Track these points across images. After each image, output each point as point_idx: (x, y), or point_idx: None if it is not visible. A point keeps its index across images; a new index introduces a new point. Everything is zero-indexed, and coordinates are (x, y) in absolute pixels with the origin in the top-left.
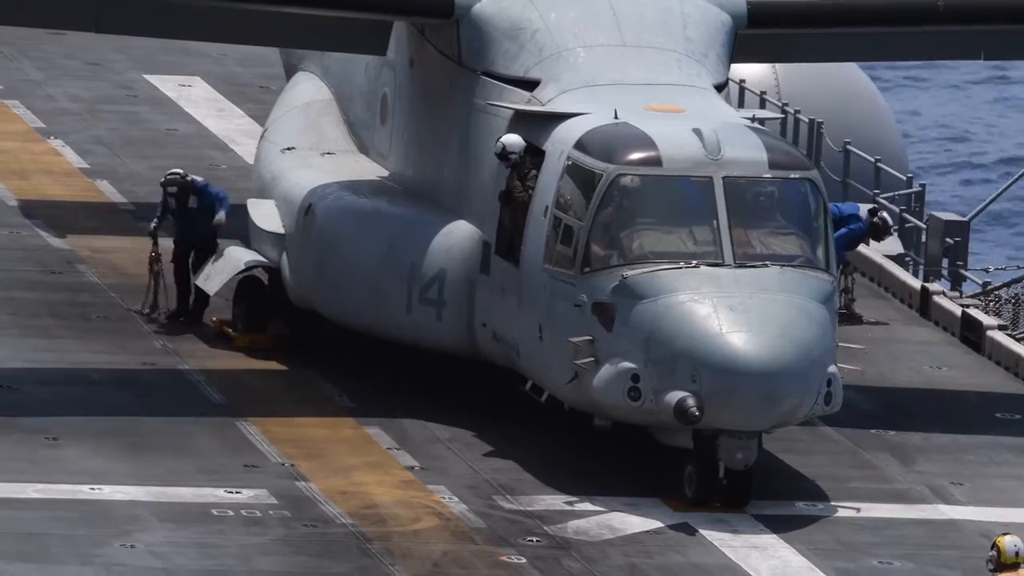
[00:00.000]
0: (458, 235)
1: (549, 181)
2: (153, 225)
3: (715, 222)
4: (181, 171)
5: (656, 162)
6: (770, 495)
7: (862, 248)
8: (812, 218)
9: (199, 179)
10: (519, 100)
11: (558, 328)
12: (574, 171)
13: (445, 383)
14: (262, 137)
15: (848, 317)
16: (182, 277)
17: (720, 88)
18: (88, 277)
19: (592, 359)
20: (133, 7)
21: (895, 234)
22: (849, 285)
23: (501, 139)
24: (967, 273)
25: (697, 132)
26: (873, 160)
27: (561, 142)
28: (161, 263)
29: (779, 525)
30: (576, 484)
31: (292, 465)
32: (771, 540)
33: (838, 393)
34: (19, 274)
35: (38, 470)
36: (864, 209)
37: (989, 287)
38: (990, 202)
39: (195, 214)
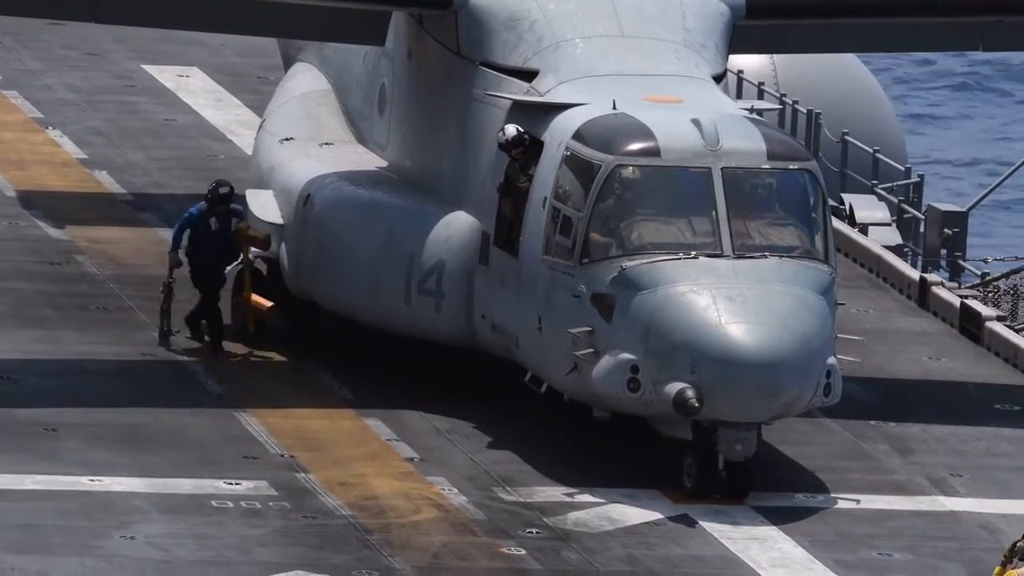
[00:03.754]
0: (457, 226)
1: (548, 172)
2: (181, 249)
3: (714, 213)
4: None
5: (655, 153)
6: (769, 487)
7: (860, 239)
8: (811, 209)
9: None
10: (517, 91)
11: (557, 319)
12: (572, 162)
13: (444, 374)
14: (260, 127)
15: None
16: (212, 306)
17: (718, 79)
18: (86, 268)
19: (591, 350)
20: None
21: None
22: None
23: (505, 128)
24: (966, 264)
25: (696, 123)
26: (871, 151)
27: (559, 133)
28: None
29: (779, 517)
30: (575, 476)
31: (291, 456)
32: (771, 532)
33: (837, 384)
34: (17, 265)
35: (37, 461)
36: None
37: (988, 278)
38: (989, 192)
39: (225, 232)
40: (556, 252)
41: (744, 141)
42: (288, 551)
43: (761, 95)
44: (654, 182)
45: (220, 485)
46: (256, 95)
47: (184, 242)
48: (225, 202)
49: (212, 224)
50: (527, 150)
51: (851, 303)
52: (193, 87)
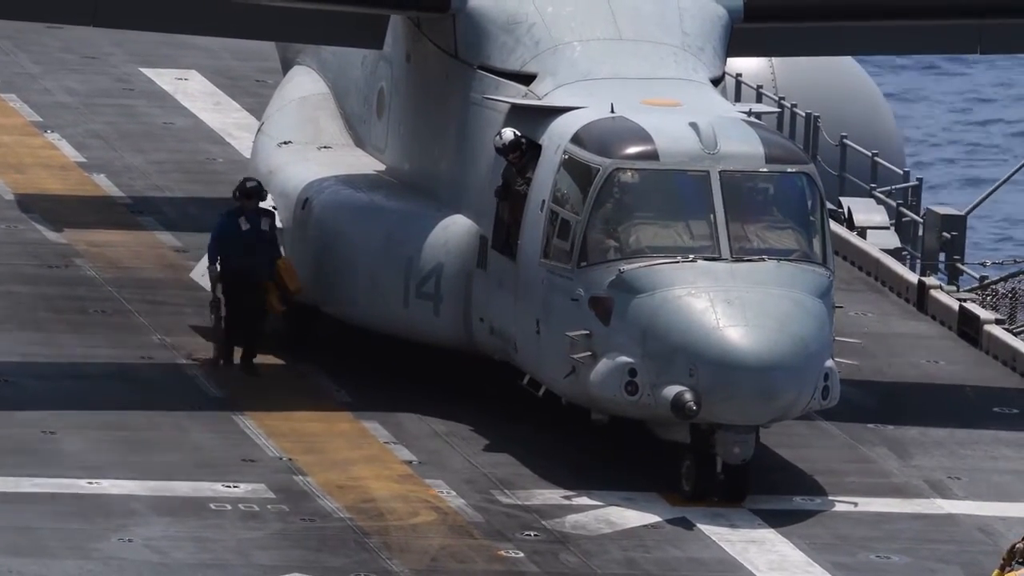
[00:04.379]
0: (455, 229)
1: (546, 175)
2: (215, 266)
3: (712, 216)
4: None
5: (653, 156)
6: (767, 490)
7: (859, 243)
8: (809, 212)
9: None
10: (515, 94)
11: (555, 322)
12: (571, 165)
13: (442, 377)
14: (259, 131)
15: None
16: (234, 319)
17: (716, 82)
18: (85, 271)
19: (589, 353)
20: (130, 0)
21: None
22: None
23: (501, 133)
24: (964, 267)
25: (694, 126)
26: (870, 154)
27: (558, 136)
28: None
29: (777, 519)
30: (573, 479)
31: (289, 459)
32: (769, 534)
33: (835, 387)
34: (16, 268)
35: (35, 464)
36: None
37: (986, 281)
38: (987, 195)
39: (264, 239)
40: (554, 255)
41: (742, 144)
42: (286, 554)
43: (759, 98)
44: (652, 185)
45: (218, 488)
46: (254, 98)
47: None
48: (253, 196)
49: (242, 224)
50: (524, 154)
51: (849, 306)
52: (191, 90)
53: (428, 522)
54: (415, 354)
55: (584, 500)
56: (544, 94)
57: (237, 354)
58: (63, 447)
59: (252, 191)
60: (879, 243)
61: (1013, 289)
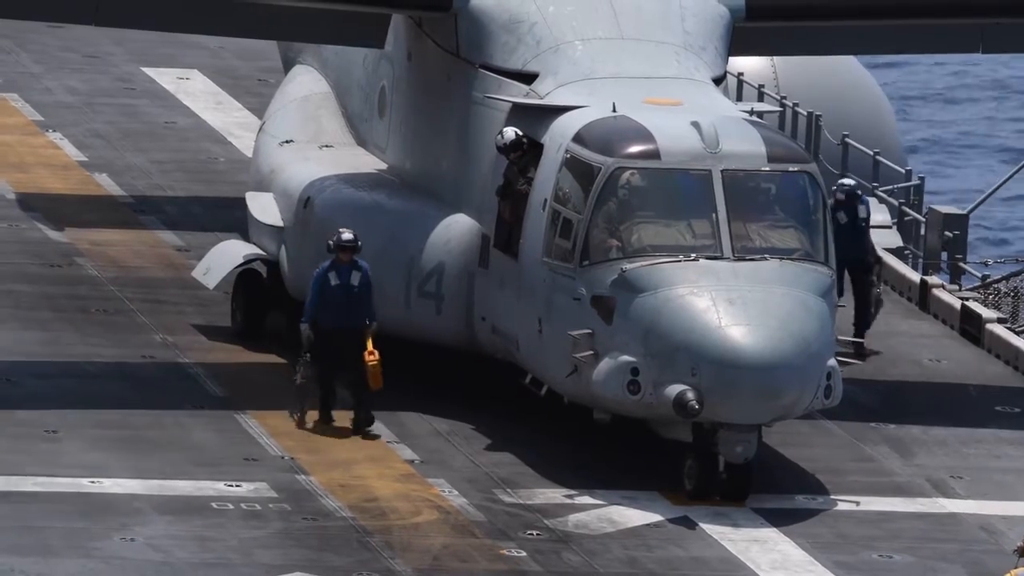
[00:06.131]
0: (457, 228)
1: (548, 174)
2: (308, 322)
3: (714, 215)
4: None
5: (654, 155)
6: (770, 489)
7: None
8: (811, 211)
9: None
10: (517, 93)
11: (557, 321)
12: (573, 164)
13: (444, 377)
14: (260, 130)
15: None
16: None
17: (718, 81)
18: (87, 270)
19: (591, 352)
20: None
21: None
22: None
23: (503, 132)
24: (966, 266)
25: (695, 125)
26: (872, 153)
27: (559, 135)
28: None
29: (779, 518)
30: (576, 478)
31: (292, 458)
32: (771, 533)
33: (838, 386)
34: (18, 267)
35: (37, 463)
36: None
37: (988, 280)
38: (989, 195)
39: (355, 294)
40: (556, 254)
41: (744, 143)
42: (288, 553)
43: (761, 97)
44: (654, 184)
45: (220, 487)
46: (256, 98)
47: None
48: (346, 250)
49: (331, 279)
50: (525, 153)
51: (852, 306)
52: (193, 89)
53: (430, 521)
54: (417, 353)
55: (586, 499)
56: (546, 93)
57: (311, 417)
58: (65, 446)
59: (345, 245)
60: (881, 242)
61: (1015, 288)
